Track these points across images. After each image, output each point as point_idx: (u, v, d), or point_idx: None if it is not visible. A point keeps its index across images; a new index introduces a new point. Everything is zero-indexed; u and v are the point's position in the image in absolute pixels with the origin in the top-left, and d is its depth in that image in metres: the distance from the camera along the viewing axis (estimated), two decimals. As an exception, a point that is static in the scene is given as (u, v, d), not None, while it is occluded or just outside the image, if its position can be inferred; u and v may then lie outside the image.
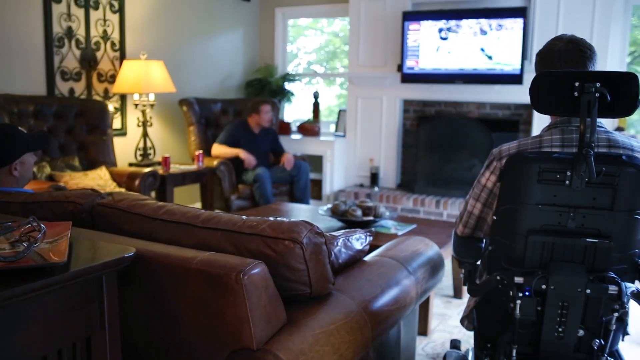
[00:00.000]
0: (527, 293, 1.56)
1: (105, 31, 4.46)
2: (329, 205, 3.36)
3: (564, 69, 1.61)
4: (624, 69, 4.70)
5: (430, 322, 2.91)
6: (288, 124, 5.90)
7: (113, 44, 4.54)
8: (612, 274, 1.51)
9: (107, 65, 4.51)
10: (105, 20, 4.45)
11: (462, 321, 1.90)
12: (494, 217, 1.65)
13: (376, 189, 5.36)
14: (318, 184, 5.62)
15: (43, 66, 4.07)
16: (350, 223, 3.10)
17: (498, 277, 1.58)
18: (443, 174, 5.32)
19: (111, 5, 4.48)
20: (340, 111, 5.87)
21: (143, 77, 4.30)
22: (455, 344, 2.11)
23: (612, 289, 1.50)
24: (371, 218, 3.16)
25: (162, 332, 1.48)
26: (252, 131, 4.87)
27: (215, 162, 4.60)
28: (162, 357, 1.52)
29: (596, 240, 1.52)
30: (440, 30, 4.92)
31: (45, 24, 4.03)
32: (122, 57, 4.60)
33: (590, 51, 1.69)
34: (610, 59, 4.59)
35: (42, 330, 1.23)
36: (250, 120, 4.87)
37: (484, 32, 4.74)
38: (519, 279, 1.55)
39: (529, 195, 1.54)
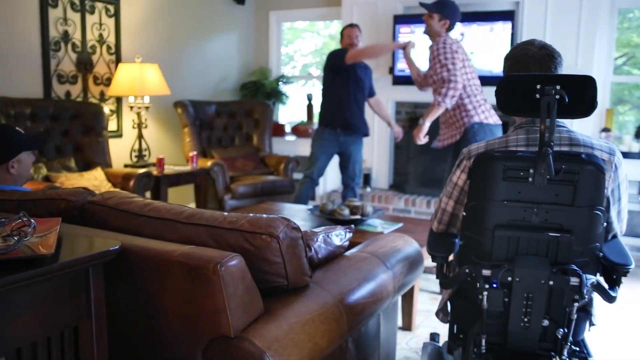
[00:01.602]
0: (494, 285, 1.65)
1: (101, 35, 4.55)
2: (318, 205, 3.44)
3: (531, 73, 1.70)
4: (611, 71, 4.79)
5: (415, 317, 2.99)
6: (282, 126, 5.98)
7: (109, 47, 4.63)
8: (574, 267, 1.59)
9: (103, 68, 4.59)
10: (101, 25, 4.54)
11: (437, 314, 1.99)
12: (464, 213, 1.74)
13: (368, 189, 5.45)
14: (311, 184, 5.69)
15: (40, 69, 4.15)
16: (337, 222, 3.18)
17: (467, 270, 1.66)
18: (434, 174, 5.40)
19: (107, 10, 4.57)
20: (333, 113, 5.95)
21: (138, 80, 4.38)
22: (433, 337, 2.19)
23: (574, 280, 1.58)
24: (358, 217, 3.25)
25: (146, 321, 1.57)
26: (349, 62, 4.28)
27: (209, 163, 4.68)
28: (146, 344, 1.60)
29: (558, 235, 1.60)
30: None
31: (42, 28, 4.11)
32: (118, 61, 4.69)
33: (560, 57, 1.79)
34: (597, 60, 4.68)
35: (32, 319, 1.31)
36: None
37: (473, 35, 4.83)
38: (486, 272, 1.63)
39: (496, 192, 1.62)
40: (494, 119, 3.70)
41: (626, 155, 4.49)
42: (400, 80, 5.22)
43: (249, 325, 1.45)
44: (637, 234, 4.44)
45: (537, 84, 1.53)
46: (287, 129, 6.08)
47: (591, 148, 1.67)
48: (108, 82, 4.62)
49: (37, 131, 3.89)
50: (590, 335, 1.86)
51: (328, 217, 3.26)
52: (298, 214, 3.66)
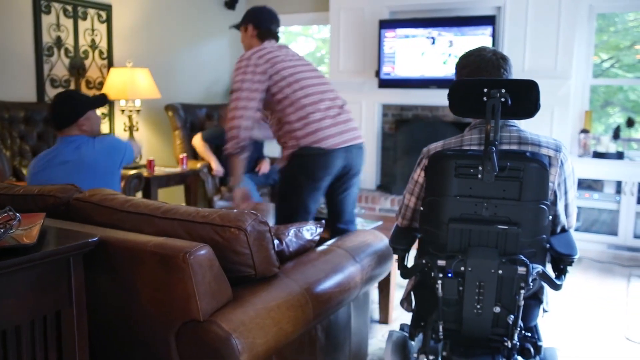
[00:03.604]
0: (449, 275, 1.77)
1: (93, 40, 4.68)
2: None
3: (479, 77, 1.84)
4: (590, 74, 4.93)
5: (392, 311, 3.12)
6: (272, 128, 6.11)
7: (101, 52, 4.76)
8: (522, 257, 1.72)
9: (95, 72, 4.72)
10: (93, 30, 4.67)
11: (401, 303, 2.11)
12: (421, 208, 1.86)
13: (356, 190, 5.57)
14: (301, 185, 5.82)
15: (33, 74, 4.28)
16: (318, 220, 3.30)
17: (424, 261, 1.79)
18: (420, 175, 5.53)
19: (99, 16, 4.70)
20: (322, 116, 6.09)
21: (129, 84, 4.51)
22: (402, 327, 2.32)
23: (521, 270, 1.71)
24: (339, 215, 3.37)
25: (124, 307, 1.70)
26: None
27: (198, 165, 4.81)
28: (124, 329, 1.73)
29: (507, 227, 1.73)
30: (415, 38, 5.14)
31: (35, 34, 4.24)
32: (110, 65, 4.82)
33: (510, 61, 1.93)
34: (577, 62, 4.82)
35: (17, 304, 1.43)
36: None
37: (456, 40, 4.97)
38: (441, 262, 1.76)
39: (449, 188, 1.75)
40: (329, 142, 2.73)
41: (604, 155, 4.64)
42: (386, 84, 5.35)
43: (217, 310, 1.58)
44: (615, 232, 4.57)
45: (485, 87, 1.67)
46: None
47: (538, 146, 1.80)
48: (100, 86, 4.75)
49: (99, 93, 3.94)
50: (561, 327, 1.98)
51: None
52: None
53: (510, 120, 1.86)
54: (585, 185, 4.75)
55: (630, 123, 4.66)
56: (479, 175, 1.70)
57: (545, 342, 1.96)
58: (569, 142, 4.85)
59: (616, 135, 4.71)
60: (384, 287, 3.04)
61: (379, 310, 3.12)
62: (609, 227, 4.63)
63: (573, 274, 4.01)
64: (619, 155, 4.60)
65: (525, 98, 1.67)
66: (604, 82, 5.16)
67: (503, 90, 1.64)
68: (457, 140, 1.88)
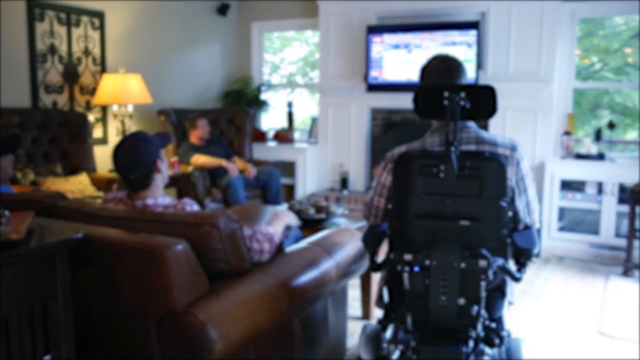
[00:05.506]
0: (415, 269, 1.88)
1: (86, 47, 4.79)
2: (286, 205, 3.68)
3: (437, 82, 1.95)
4: (572, 76, 5.04)
5: (373, 308, 3.22)
6: (264, 132, 6.22)
7: (94, 58, 4.87)
8: (484, 251, 1.82)
9: (88, 78, 4.83)
10: (86, 37, 4.78)
11: (376, 303, 2.21)
12: (389, 206, 1.97)
13: (345, 192, 5.68)
14: (292, 188, 5.93)
15: (27, 80, 4.39)
16: (303, 221, 3.40)
17: (392, 256, 1.89)
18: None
19: (92, 23, 4.82)
20: (313, 119, 6.21)
21: (121, 89, 4.62)
22: (380, 322, 2.41)
23: (482, 263, 1.81)
24: (323, 216, 3.48)
25: (107, 300, 1.80)
26: (200, 145, 5.17)
27: (190, 168, 4.92)
28: (107, 321, 1.84)
29: (469, 223, 1.83)
30: (401, 43, 5.26)
31: (29, 41, 4.36)
32: (103, 71, 4.93)
33: (460, 67, 2.05)
34: (560, 66, 4.94)
35: (5, 295, 1.54)
36: (192, 137, 5.20)
37: (441, 45, 5.09)
38: (408, 257, 1.86)
39: (414, 186, 1.86)
40: None
41: (585, 157, 4.75)
42: (374, 88, 5.47)
43: (194, 301, 1.68)
44: (597, 231, 4.68)
45: (446, 92, 1.77)
46: (270, 135, 6.32)
47: (495, 145, 1.92)
48: (94, 91, 4.85)
49: (11, 134, 3.99)
50: (536, 321, 2.08)
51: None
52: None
53: (468, 123, 1.98)
54: (568, 186, 4.86)
55: (611, 125, 4.78)
56: (442, 174, 1.80)
57: (516, 334, 2.06)
58: (552, 144, 4.96)
59: (598, 137, 4.83)
60: (366, 284, 3.14)
61: (361, 307, 3.22)
62: (591, 227, 4.74)
63: (553, 272, 4.12)
64: (600, 157, 4.72)
65: (483, 101, 1.78)
66: (586, 86, 5.28)
67: (462, 94, 1.75)
68: (420, 144, 1.99)
